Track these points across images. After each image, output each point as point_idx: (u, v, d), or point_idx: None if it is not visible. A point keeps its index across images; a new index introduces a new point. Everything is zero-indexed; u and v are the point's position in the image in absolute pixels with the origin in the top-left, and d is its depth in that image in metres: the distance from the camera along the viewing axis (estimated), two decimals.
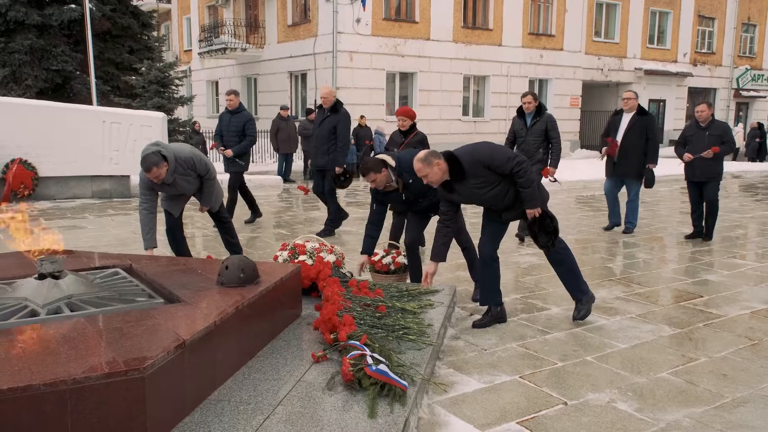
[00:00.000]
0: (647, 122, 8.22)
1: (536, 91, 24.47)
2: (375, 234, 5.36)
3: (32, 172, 11.14)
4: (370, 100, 20.30)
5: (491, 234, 4.77)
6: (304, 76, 21.78)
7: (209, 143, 15.65)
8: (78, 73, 18.59)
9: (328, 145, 8.03)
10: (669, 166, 13.41)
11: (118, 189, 12.14)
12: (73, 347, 2.80)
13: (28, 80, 17.68)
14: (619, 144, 8.22)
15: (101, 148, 11.80)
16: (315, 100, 20.42)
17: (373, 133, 17.31)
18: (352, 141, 16.91)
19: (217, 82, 26.93)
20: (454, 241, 5.19)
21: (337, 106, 8.05)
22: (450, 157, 4.38)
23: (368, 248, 5.36)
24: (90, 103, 15.12)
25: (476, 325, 4.72)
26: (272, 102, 21.94)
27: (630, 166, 8.21)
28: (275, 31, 22.82)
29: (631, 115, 8.27)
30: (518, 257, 7.13)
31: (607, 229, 8.80)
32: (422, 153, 4.47)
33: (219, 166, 8.90)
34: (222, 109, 9.27)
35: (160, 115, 12.47)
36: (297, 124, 16.94)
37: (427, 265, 4.87)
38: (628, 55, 27.30)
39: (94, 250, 6.05)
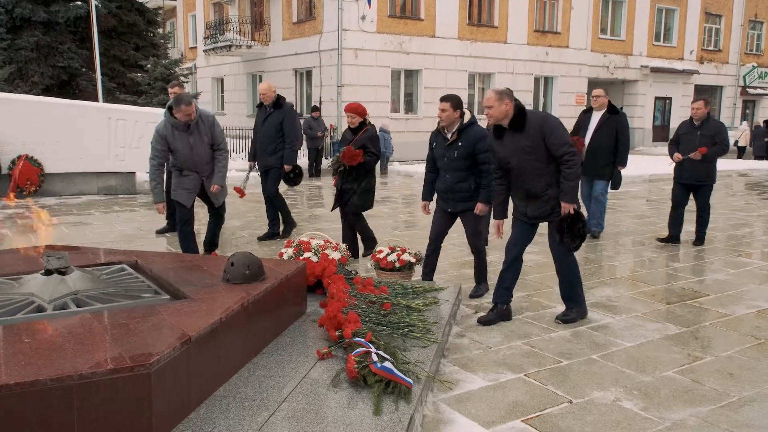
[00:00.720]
0: (618, 122, 7.65)
1: (542, 89, 24.54)
2: (431, 180, 5.59)
3: (38, 168, 11.17)
4: (375, 97, 20.29)
5: (520, 234, 4.78)
6: (309, 73, 21.78)
7: None
8: (84, 70, 18.65)
9: (275, 144, 7.48)
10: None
11: (123, 185, 12.16)
12: (79, 343, 2.80)
13: (35, 77, 17.75)
14: (586, 144, 7.70)
15: (107, 144, 11.82)
16: (320, 98, 20.44)
17: (377, 130, 17.26)
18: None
19: (222, 79, 26.96)
20: (465, 241, 5.44)
21: (280, 101, 7.55)
22: (521, 107, 4.47)
23: (427, 195, 5.64)
24: (96, 99, 15.16)
25: (482, 321, 4.72)
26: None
27: (597, 167, 7.66)
28: (280, 29, 22.82)
29: (600, 113, 7.75)
30: (524, 256, 7.10)
31: (593, 236, 8.06)
32: (500, 87, 4.59)
33: None
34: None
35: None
36: (302, 121, 16.92)
37: (496, 222, 4.89)
38: (634, 53, 27.21)
39: (100, 246, 6.07)
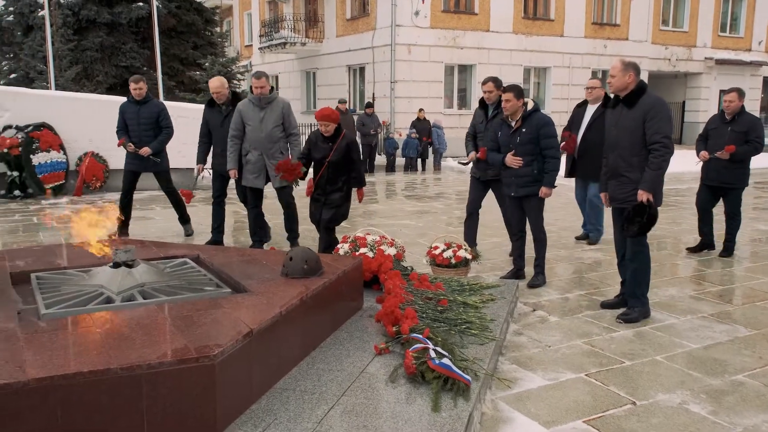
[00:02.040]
0: None
1: (600, 83, 23.94)
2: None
3: (103, 164, 11.55)
4: (428, 93, 20.21)
5: (620, 230, 4.76)
6: (362, 69, 21.86)
7: None
8: (145, 68, 19.20)
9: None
10: None
11: (184, 181, 12.41)
12: (146, 333, 2.89)
13: (99, 76, 18.38)
14: (578, 140, 6.94)
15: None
16: (373, 94, 20.48)
17: (431, 126, 17.24)
18: (414, 134, 16.87)
19: (277, 77, 27.32)
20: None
21: (237, 98, 6.95)
22: (643, 86, 4.51)
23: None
24: (157, 98, 15.57)
25: (626, 320, 4.63)
26: (330, 96, 22.09)
27: (591, 166, 6.62)
28: (334, 25, 22.97)
29: (596, 107, 6.94)
30: (582, 253, 6.97)
31: (580, 238, 7.55)
32: (627, 59, 4.62)
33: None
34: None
35: None
36: (355, 117, 17.01)
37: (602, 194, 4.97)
38: (697, 44, 26.27)
39: (162, 240, 6.24)
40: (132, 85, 7.59)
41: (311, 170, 5.99)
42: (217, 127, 6.85)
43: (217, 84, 6.80)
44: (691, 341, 4.28)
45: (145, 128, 7.55)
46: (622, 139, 4.55)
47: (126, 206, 7.59)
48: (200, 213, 9.17)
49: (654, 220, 4.43)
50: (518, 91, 5.33)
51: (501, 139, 5.53)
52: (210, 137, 6.97)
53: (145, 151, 7.44)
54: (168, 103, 13.10)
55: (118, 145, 7.54)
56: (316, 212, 5.95)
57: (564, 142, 7.05)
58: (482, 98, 6.24)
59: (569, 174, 7.29)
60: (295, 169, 5.82)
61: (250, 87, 6.55)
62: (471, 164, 6.29)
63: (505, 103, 5.33)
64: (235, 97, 6.99)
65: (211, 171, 7.14)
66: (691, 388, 3.56)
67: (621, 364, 3.88)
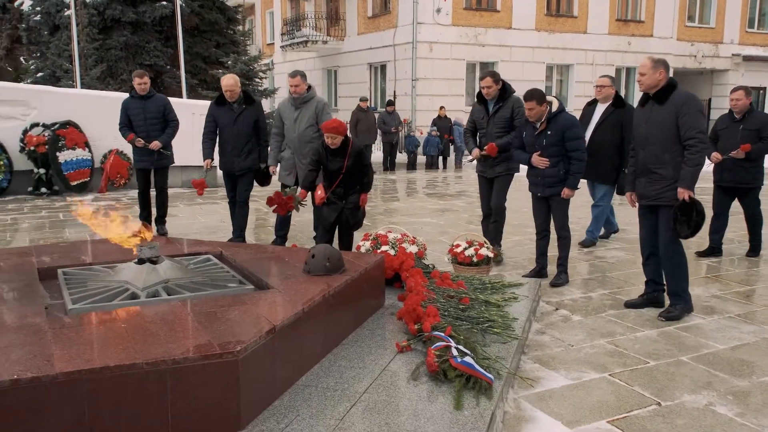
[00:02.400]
0: (623, 116, 6.53)
1: (623, 80, 23.70)
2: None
3: (128, 162, 11.67)
4: (449, 90, 20.14)
5: (647, 226, 4.77)
6: (383, 67, 21.86)
7: None
8: (168, 67, 19.37)
9: (251, 144, 6.78)
10: None
11: (206, 179, 12.56)
12: (171, 329, 2.92)
13: (123, 75, 18.57)
14: (587, 140, 6.51)
15: (191, 139, 12.18)
16: (394, 92, 20.47)
17: (452, 124, 17.19)
18: (435, 132, 16.87)
19: None
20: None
21: (250, 97, 6.88)
22: (673, 83, 4.49)
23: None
24: (180, 96, 15.71)
25: (668, 317, 4.60)
26: (352, 93, 22.12)
27: (599, 167, 6.59)
28: (355, 23, 22.99)
29: (605, 106, 6.74)
30: (605, 252, 6.91)
31: (602, 237, 7.36)
32: (656, 57, 4.60)
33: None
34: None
35: None
36: (376, 115, 17.02)
37: (627, 193, 4.92)
38: (724, 41, 25.85)
39: (186, 237, 6.30)
40: (137, 80, 7.45)
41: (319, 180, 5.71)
42: (228, 125, 6.70)
43: (231, 81, 6.63)
44: (717, 342, 4.22)
45: (152, 123, 7.48)
46: (653, 135, 4.50)
47: (146, 205, 7.68)
48: (221, 211, 9.25)
49: (703, 216, 4.40)
50: (540, 97, 5.27)
51: (526, 140, 5.50)
52: (215, 135, 6.87)
53: (156, 144, 7.42)
54: (191, 101, 13.24)
55: (128, 141, 7.49)
56: (330, 216, 5.65)
57: None
58: (479, 92, 6.16)
59: None
60: (287, 203, 5.63)
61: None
62: (476, 161, 6.26)
63: (529, 112, 5.30)
64: (247, 96, 6.84)
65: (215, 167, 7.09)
66: (718, 389, 3.51)
67: (645, 364, 3.84)
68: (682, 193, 4.37)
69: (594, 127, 6.77)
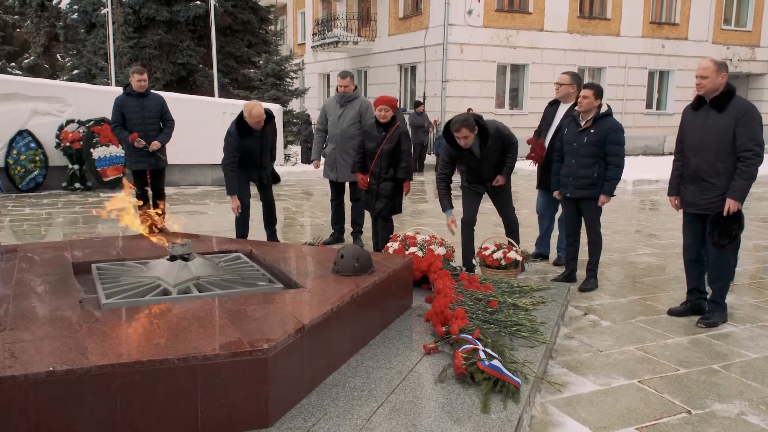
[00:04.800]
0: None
1: (656, 83, 23.34)
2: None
3: None
4: (479, 92, 20.04)
5: (692, 234, 4.70)
6: (413, 68, 21.84)
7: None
8: (201, 66, 19.61)
9: (268, 158, 6.63)
10: None
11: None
12: (201, 326, 2.96)
13: (157, 73, 18.86)
14: (546, 146, 6.02)
15: (221, 137, 12.31)
16: (423, 93, 20.44)
17: None
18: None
19: (328, 75, 27.54)
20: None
21: (271, 114, 6.37)
22: (731, 86, 4.38)
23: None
24: (212, 95, 15.90)
25: (707, 324, 4.56)
26: (382, 94, 22.14)
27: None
28: (386, 24, 23.01)
29: (567, 106, 5.95)
30: (635, 257, 6.82)
31: (533, 257, 6.31)
32: (717, 59, 4.50)
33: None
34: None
35: (276, 106, 12.91)
36: (406, 116, 17.02)
37: (671, 199, 4.82)
38: (761, 44, 25.27)
39: (215, 235, 6.37)
40: (137, 77, 7.08)
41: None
42: (256, 151, 6.33)
43: (260, 112, 6.06)
44: (749, 350, 4.14)
45: (150, 122, 7.17)
46: (707, 143, 4.39)
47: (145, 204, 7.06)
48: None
49: (742, 229, 4.36)
50: (598, 91, 5.25)
51: (566, 137, 5.42)
52: (245, 163, 6.30)
53: (156, 145, 7.13)
54: (223, 100, 13.40)
55: (130, 141, 7.06)
56: (369, 201, 6.14)
57: (530, 150, 6.22)
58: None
59: (539, 185, 6.33)
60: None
61: (336, 87, 6.97)
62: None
63: (582, 99, 5.25)
64: (269, 117, 6.28)
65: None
66: (750, 398, 3.44)
67: (676, 372, 3.78)
68: (734, 205, 4.29)
69: (555, 130, 5.94)
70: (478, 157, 5.47)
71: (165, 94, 12.87)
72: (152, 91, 7.44)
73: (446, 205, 5.63)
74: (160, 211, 5.11)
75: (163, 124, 7.33)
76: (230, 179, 6.24)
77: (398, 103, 18.26)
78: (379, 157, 5.89)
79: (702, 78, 4.36)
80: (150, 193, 7.45)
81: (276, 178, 6.96)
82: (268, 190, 6.75)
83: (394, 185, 5.96)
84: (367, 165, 6.03)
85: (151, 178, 7.36)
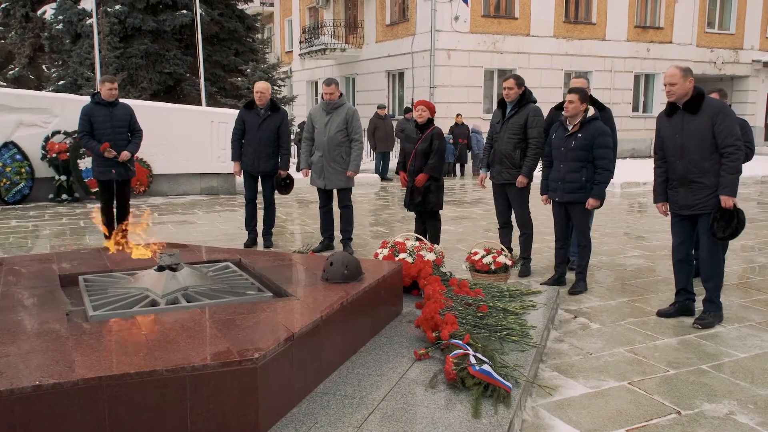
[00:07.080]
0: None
1: (642, 87, 23.51)
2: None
3: (147, 169, 11.82)
4: (467, 98, 20.14)
5: (681, 233, 4.74)
6: (401, 74, 21.91)
7: None
8: (188, 75, 19.56)
9: (273, 149, 7.15)
10: None
11: (224, 186, 12.67)
12: (190, 336, 2.94)
13: (144, 83, 18.78)
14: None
15: (209, 146, 12.35)
16: (412, 99, 20.49)
17: (470, 131, 17.17)
18: (451, 140, 16.86)
19: (316, 83, 27.56)
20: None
21: (276, 104, 7.24)
22: (700, 90, 4.48)
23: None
24: (199, 104, 15.86)
25: (703, 324, 4.57)
26: (370, 101, 22.18)
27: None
28: (374, 31, 23.08)
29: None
30: (624, 260, 6.86)
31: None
32: (681, 65, 4.59)
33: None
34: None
35: None
36: (394, 123, 17.06)
37: (657, 205, 4.87)
38: (744, 47, 25.55)
39: (205, 245, 6.35)
40: (107, 85, 6.96)
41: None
42: (253, 128, 7.13)
43: (264, 86, 7.14)
44: (738, 350, 4.17)
45: (119, 131, 7.03)
46: (690, 145, 4.48)
47: (110, 220, 7.16)
48: (239, 218, 9.31)
49: (743, 224, 4.41)
50: (583, 95, 5.30)
51: (554, 142, 5.47)
52: (242, 135, 7.24)
53: (125, 155, 6.99)
54: (210, 109, 13.37)
55: (101, 150, 6.88)
56: (406, 198, 6.42)
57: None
58: (501, 98, 6.10)
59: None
60: None
61: (322, 95, 7.02)
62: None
63: (568, 104, 5.30)
64: (274, 104, 7.22)
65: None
66: (739, 398, 3.46)
67: (665, 373, 3.80)
68: (727, 201, 4.36)
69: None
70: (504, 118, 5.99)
71: (152, 104, 12.90)
72: (120, 100, 7.31)
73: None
74: (121, 233, 4.91)
75: (131, 134, 7.20)
76: (232, 147, 7.37)
77: (387, 109, 18.34)
78: (414, 157, 6.23)
79: (671, 85, 4.48)
80: (114, 210, 7.26)
81: (282, 186, 7.33)
82: (264, 190, 7.28)
83: (429, 182, 6.22)
84: (407, 164, 6.38)
85: (117, 190, 7.22)
